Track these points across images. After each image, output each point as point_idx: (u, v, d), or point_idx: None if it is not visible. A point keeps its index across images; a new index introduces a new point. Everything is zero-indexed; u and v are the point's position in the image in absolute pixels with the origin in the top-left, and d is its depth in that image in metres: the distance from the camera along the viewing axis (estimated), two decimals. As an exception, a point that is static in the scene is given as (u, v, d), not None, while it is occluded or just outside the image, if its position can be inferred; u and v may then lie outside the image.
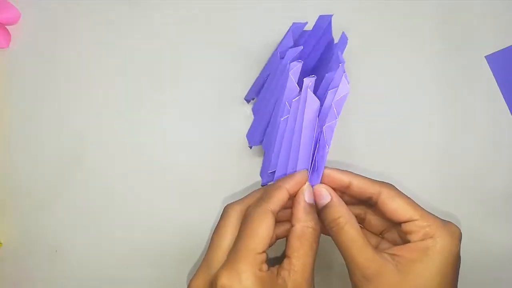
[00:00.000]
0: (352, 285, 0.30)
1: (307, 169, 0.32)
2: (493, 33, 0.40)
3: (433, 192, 0.39)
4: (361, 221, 0.34)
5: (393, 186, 0.32)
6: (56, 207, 0.40)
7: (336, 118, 0.32)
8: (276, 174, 0.33)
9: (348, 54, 0.35)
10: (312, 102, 0.32)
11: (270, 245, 0.30)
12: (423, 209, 0.31)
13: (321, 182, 0.32)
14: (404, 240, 0.31)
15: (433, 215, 0.30)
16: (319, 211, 0.32)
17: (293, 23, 0.36)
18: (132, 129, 0.40)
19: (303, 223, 0.30)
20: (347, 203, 0.31)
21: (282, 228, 0.32)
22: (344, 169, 0.32)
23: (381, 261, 0.29)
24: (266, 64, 0.39)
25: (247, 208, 0.31)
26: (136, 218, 0.40)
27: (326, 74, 0.33)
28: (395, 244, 0.32)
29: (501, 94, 0.40)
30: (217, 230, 0.31)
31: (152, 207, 0.40)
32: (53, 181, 0.40)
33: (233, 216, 0.31)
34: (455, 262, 0.30)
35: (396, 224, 0.31)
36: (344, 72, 0.31)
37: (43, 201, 0.40)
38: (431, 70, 0.40)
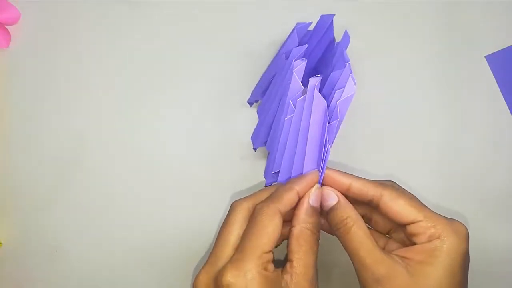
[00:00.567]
0: (361, 286, 0.30)
1: (318, 170, 0.32)
2: (493, 33, 0.40)
3: (433, 192, 0.39)
4: (368, 221, 0.33)
5: (395, 185, 0.31)
6: (56, 207, 0.40)
7: (338, 118, 0.31)
8: (280, 175, 0.33)
9: (348, 54, 0.35)
10: (319, 102, 0.31)
11: (277, 245, 0.30)
12: (427, 208, 0.30)
13: (321, 183, 0.32)
14: (411, 241, 0.30)
15: (438, 214, 0.30)
16: (326, 213, 0.31)
17: (297, 23, 0.36)
18: (132, 129, 0.40)
19: (303, 224, 0.30)
20: (352, 204, 0.31)
21: (287, 228, 0.32)
22: (343, 170, 0.32)
23: (391, 263, 0.29)
24: (269, 66, 0.38)
25: (254, 206, 0.31)
26: (136, 218, 0.40)
27: (331, 73, 0.32)
28: (403, 243, 0.31)
29: (501, 94, 0.40)
30: (224, 226, 0.31)
31: (152, 207, 0.40)
32: (53, 181, 0.40)
33: (241, 213, 0.31)
34: (463, 262, 0.29)
35: (401, 225, 0.31)
36: (351, 72, 0.31)
37: (43, 201, 0.40)
38: (431, 70, 0.40)
